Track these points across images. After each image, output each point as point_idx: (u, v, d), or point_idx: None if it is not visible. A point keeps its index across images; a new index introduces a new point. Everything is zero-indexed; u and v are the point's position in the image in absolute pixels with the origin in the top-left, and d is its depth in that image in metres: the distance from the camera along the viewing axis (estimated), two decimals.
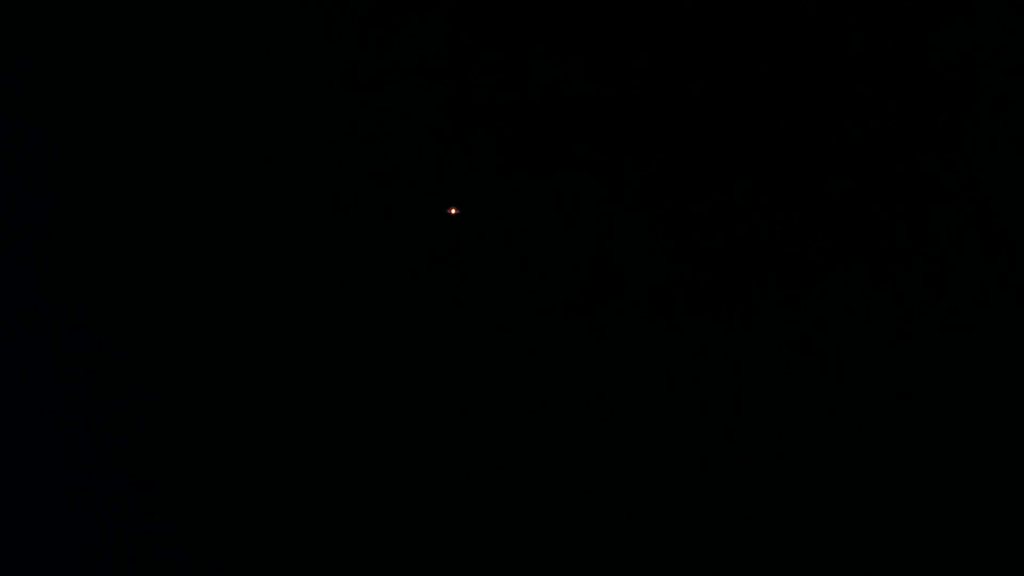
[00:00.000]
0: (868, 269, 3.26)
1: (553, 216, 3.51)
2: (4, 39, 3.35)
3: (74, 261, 3.30)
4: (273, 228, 3.44)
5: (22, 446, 3.01)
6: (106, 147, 3.40)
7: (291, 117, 3.49)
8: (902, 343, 3.17)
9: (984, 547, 2.79)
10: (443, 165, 3.60)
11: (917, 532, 2.84)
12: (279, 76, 3.48)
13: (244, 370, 3.26)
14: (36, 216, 3.30)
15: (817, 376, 3.17)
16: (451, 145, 3.55)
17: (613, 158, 3.45)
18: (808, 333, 3.25)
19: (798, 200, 3.28)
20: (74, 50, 3.39)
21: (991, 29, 3.04)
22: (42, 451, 3.02)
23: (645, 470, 3.05)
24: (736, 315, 3.30)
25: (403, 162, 3.61)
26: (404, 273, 3.54)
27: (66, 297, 3.26)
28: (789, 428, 3.09)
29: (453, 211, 3.58)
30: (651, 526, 2.92)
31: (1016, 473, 2.90)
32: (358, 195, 3.55)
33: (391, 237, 3.57)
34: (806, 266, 3.29)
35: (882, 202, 3.24)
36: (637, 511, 2.96)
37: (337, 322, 3.37)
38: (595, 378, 3.26)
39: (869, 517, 2.90)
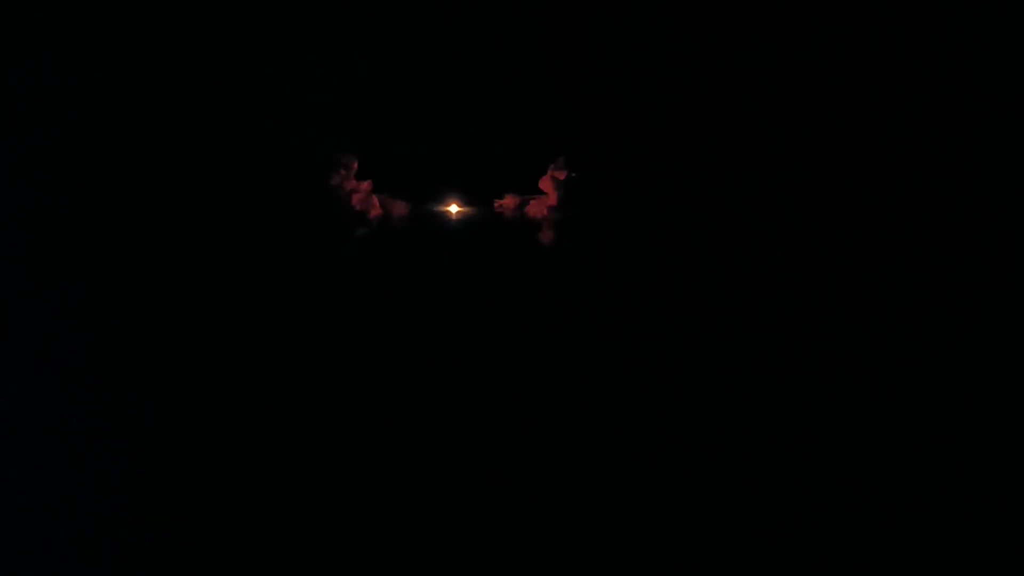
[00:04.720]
0: (867, 269, 3.26)
1: (552, 215, 3.52)
2: (4, 39, 3.34)
3: (74, 260, 3.30)
4: (273, 227, 3.45)
5: (21, 445, 3.01)
6: (106, 147, 3.40)
7: (290, 117, 3.50)
8: (901, 342, 3.18)
9: (984, 547, 2.79)
10: (443, 165, 3.61)
11: (917, 532, 2.84)
12: (279, 76, 3.48)
13: (243, 368, 3.26)
14: (36, 215, 3.30)
15: (816, 376, 3.18)
16: (451, 145, 3.56)
17: (613, 158, 3.46)
18: (807, 333, 3.25)
19: (798, 200, 3.29)
20: (74, 50, 3.38)
21: (991, 29, 3.04)
22: (41, 450, 3.02)
23: (643, 469, 3.05)
24: (735, 315, 3.31)
25: (403, 162, 3.62)
26: (403, 272, 3.55)
27: (65, 296, 3.26)
28: (788, 428, 3.10)
29: (454, 210, 3.58)
30: (649, 526, 2.92)
31: (1016, 473, 2.91)
32: (357, 194, 3.56)
33: (390, 236, 3.58)
34: (805, 265, 3.29)
35: (881, 201, 3.24)
36: (636, 511, 2.96)
37: (338, 321, 3.38)
38: (593, 377, 3.27)
39: (869, 517, 2.90)
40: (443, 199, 3.59)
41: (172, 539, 2.86)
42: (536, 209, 3.55)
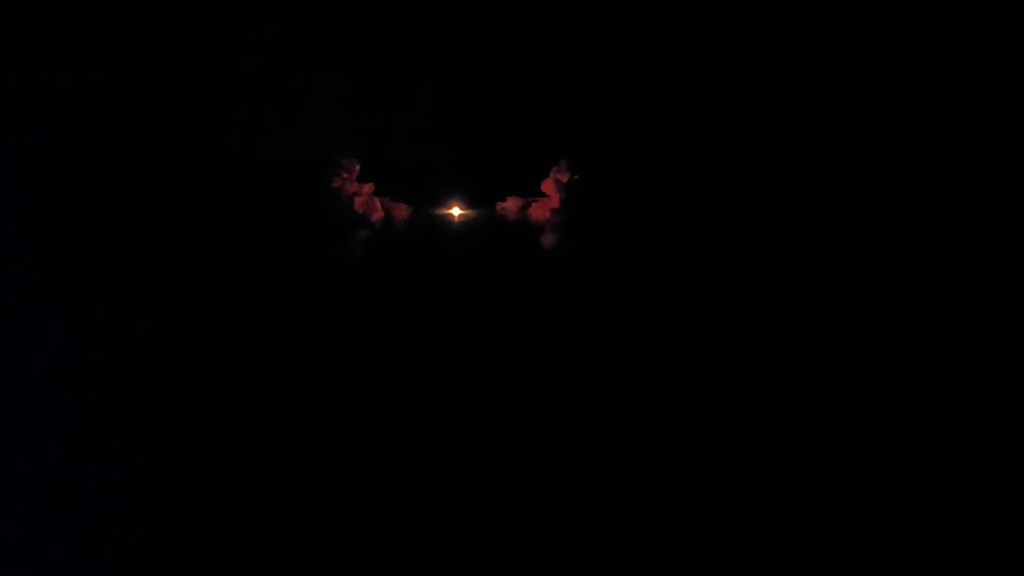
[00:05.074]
0: (869, 271, 3.28)
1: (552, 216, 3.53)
2: (4, 39, 3.33)
3: (73, 262, 3.28)
4: (276, 230, 3.44)
5: (21, 445, 2.98)
6: (107, 149, 3.39)
7: (292, 121, 3.50)
8: (900, 343, 3.19)
9: (984, 547, 2.80)
10: (445, 168, 3.62)
11: (916, 532, 2.84)
12: (281, 80, 3.49)
13: (245, 370, 3.24)
14: (36, 216, 3.28)
15: (815, 377, 3.19)
16: (452, 148, 3.57)
17: (615, 160, 3.48)
18: (808, 334, 3.27)
19: (800, 202, 3.31)
20: (74, 51, 3.38)
21: (991, 31, 3.08)
22: (40, 450, 2.99)
23: (645, 469, 3.04)
24: (737, 316, 3.32)
25: (405, 165, 3.63)
26: (406, 275, 3.55)
27: (63, 297, 3.24)
28: (788, 429, 3.10)
29: (456, 213, 3.59)
30: (650, 526, 2.91)
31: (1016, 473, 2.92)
32: (359, 197, 3.56)
33: (392, 239, 3.58)
34: (807, 268, 3.31)
35: (882, 202, 3.27)
36: (636, 511, 2.95)
37: (341, 323, 3.37)
38: (595, 378, 3.27)
39: (868, 517, 2.90)
40: (445, 202, 3.60)
41: (173, 538, 2.83)
42: (538, 212, 3.56)
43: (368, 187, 3.55)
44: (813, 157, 3.27)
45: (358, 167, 3.54)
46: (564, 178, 3.50)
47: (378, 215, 3.56)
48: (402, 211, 3.58)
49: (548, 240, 3.55)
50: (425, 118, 3.54)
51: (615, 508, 2.96)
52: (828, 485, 2.98)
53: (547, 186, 3.54)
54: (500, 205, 3.60)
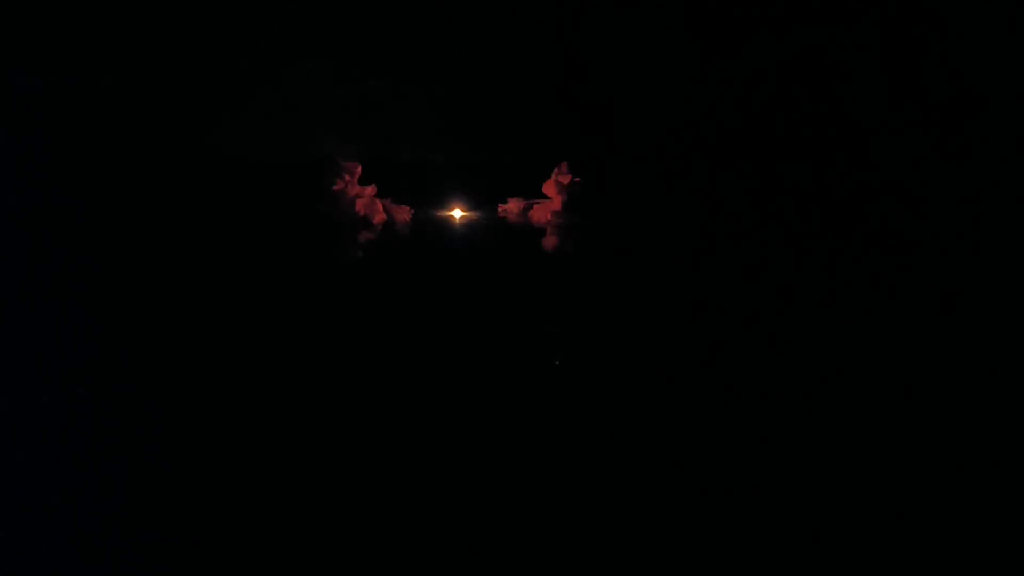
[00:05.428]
0: (873, 274, 3.29)
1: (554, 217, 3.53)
2: (4, 39, 3.34)
3: (71, 264, 3.28)
4: (278, 232, 3.44)
5: (21, 445, 2.97)
6: (109, 151, 3.39)
7: (294, 123, 3.51)
8: (898, 343, 3.19)
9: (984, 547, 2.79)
10: (446, 170, 3.63)
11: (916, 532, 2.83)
12: (283, 82, 3.50)
13: (246, 372, 3.24)
14: (35, 215, 3.28)
15: (818, 380, 3.18)
16: (454, 150, 3.58)
17: (616, 162, 3.48)
18: (810, 337, 3.27)
19: (803, 205, 3.31)
20: (77, 53, 3.38)
21: (991, 34, 3.08)
22: (42, 450, 2.98)
23: (646, 470, 3.04)
24: (739, 318, 3.32)
25: (407, 167, 3.64)
26: (407, 276, 3.56)
27: (62, 298, 3.24)
28: (789, 431, 3.10)
29: (458, 215, 3.60)
30: (651, 527, 2.91)
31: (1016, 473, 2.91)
32: (361, 199, 3.57)
33: (393, 241, 3.58)
34: (810, 271, 3.31)
35: (881, 201, 3.28)
36: (638, 512, 2.95)
37: (342, 325, 3.37)
38: (597, 380, 3.27)
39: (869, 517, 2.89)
40: (446, 204, 3.60)
41: (173, 540, 2.83)
42: (540, 213, 3.57)
43: (370, 189, 3.55)
44: (814, 158, 3.28)
45: (360, 169, 3.54)
46: (565, 180, 3.51)
47: (380, 217, 3.56)
48: (404, 213, 3.59)
49: (550, 242, 3.55)
50: (427, 121, 3.54)
51: (614, 506, 2.95)
52: (827, 485, 2.97)
53: (548, 188, 3.54)
54: (502, 207, 3.61)
